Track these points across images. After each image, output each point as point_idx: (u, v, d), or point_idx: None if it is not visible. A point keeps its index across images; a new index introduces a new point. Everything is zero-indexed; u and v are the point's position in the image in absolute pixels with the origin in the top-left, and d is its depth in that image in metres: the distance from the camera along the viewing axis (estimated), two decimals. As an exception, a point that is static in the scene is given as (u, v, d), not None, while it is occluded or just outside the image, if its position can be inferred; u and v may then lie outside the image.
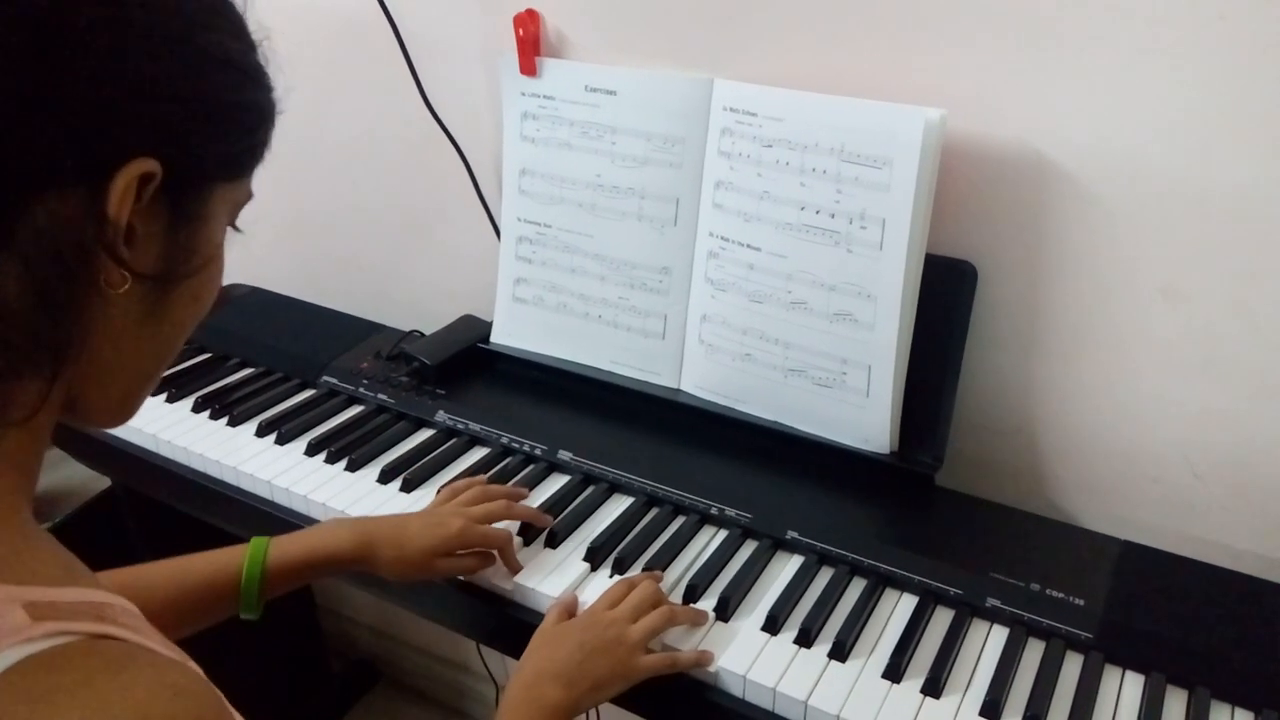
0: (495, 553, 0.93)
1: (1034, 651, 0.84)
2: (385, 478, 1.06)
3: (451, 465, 1.08)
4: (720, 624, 0.87)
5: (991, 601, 0.87)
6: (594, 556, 0.94)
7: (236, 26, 0.52)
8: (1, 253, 0.44)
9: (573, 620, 0.84)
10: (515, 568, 0.93)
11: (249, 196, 0.57)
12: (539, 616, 0.90)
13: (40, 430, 0.50)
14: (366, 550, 0.88)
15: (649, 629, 0.82)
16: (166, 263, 0.50)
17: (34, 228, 0.44)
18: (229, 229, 0.57)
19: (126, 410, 0.55)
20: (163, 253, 0.50)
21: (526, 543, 0.96)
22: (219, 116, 0.51)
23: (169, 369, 1.31)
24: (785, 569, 0.93)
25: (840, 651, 0.83)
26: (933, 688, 0.80)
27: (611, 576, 0.92)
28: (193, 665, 0.50)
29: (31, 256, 0.44)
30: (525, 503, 0.99)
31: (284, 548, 0.86)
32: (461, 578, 0.94)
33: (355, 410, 1.19)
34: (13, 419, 0.47)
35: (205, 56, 0.49)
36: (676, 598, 0.89)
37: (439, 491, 0.98)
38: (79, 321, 0.48)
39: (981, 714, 0.78)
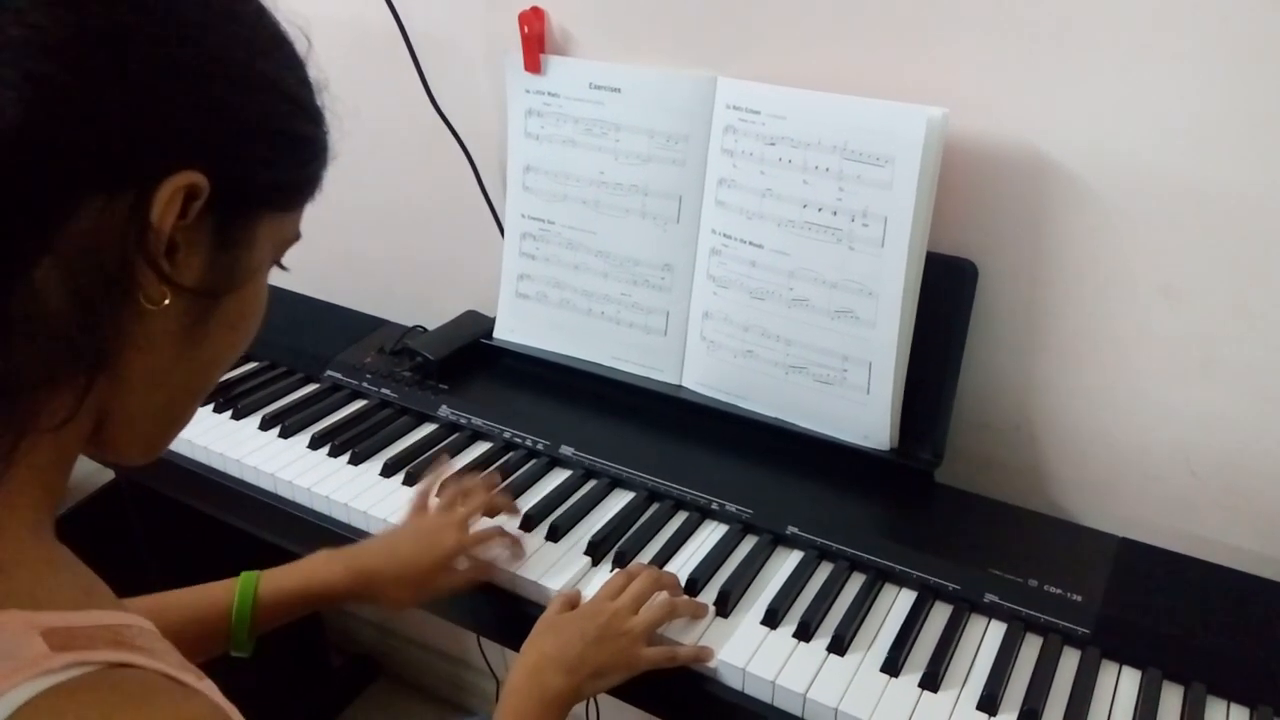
0: (497, 550, 0.93)
1: (1031, 647, 0.84)
2: (388, 471, 1.07)
3: (454, 460, 1.09)
4: (720, 618, 0.87)
5: (990, 597, 0.87)
6: (595, 551, 0.95)
7: (295, 62, 0.53)
8: (45, 256, 0.44)
9: (575, 610, 0.84)
10: (520, 553, 0.93)
11: (297, 236, 0.57)
12: (540, 610, 0.90)
13: (68, 449, 0.50)
14: (363, 583, 0.87)
15: (651, 620, 0.83)
16: (207, 284, 0.50)
17: (79, 231, 0.44)
18: (276, 267, 0.57)
19: (154, 444, 0.54)
20: (203, 274, 0.49)
21: (527, 530, 0.97)
22: (269, 141, 0.51)
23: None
24: (785, 564, 0.93)
25: (839, 645, 0.84)
26: (931, 682, 0.81)
27: (612, 571, 0.93)
28: (208, 686, 0.49)
29: (74, 261, 0.44)
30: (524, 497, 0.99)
31: (276, 583, 0.85)
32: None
33: (358, 405, 1.20)
34: (42, 427, 0.47)
35: (261, 81, 0.50)
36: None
37: (412, 501, 0.96)
38: (116, 334, 0.47)
39: (979, 708, 0.79)
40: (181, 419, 0.56)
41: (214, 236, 0.49)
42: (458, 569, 0.90)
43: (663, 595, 0.86)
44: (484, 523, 0.95)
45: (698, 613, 0.87)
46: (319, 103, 0.55)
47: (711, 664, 0.83)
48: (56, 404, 0.47)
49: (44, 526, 0.50)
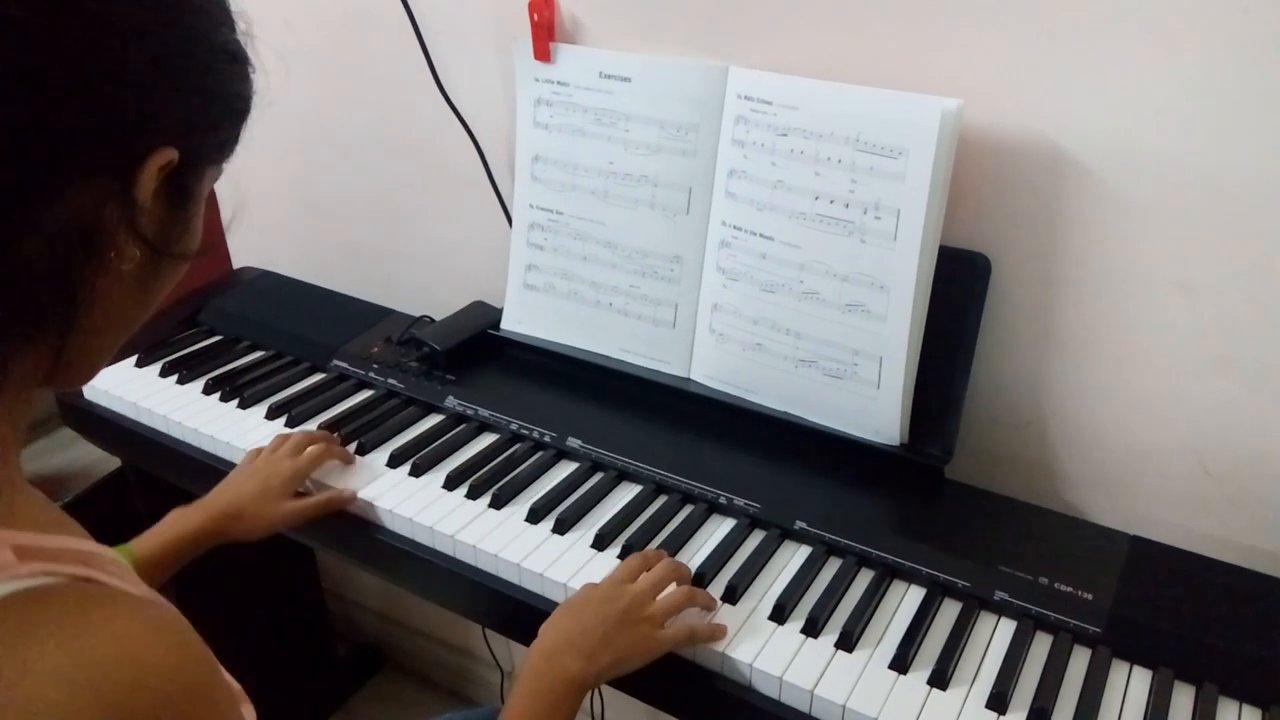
0: (339, 489, 1.01)
1: (1041, 645, 0.84)
2: (394, 462, 1.06)
3: (460, 450, 1.08)
4: (728, 612, 0.87)
5: (1000, 594, 0.87)
6: (601, 543, 0.94)
7: (233, 20, 0.55)
8: (32, 234, 0.46)
9: (593, 593, 0.84)
10: (349, 459, 1.05)
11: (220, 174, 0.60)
12: (546, 602, 0.90)
13: (29, 390, 0.52)
14: (221, 521, 0.96)
15: (670, 606, 0.83)
16: (164, 240, 0.53)
17: (62, 212, 0.46)
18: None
19: (94, 371, 0.57)
20: (161, 230, 0.52)
21: (533, 524, 0.97)
22: (224, 106, 0.54)
23: (176, 354, 1.31)
24: (793, 559, 0.93)
25: (847, 642, 0.83)
26: (939, 679, 0.80)
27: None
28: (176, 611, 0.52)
29: (56, 238, 0.46)
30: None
31: (147, 547, 0.92)
32: (459, 563, 0.94)
33: (365, 394, 1.19)
34: (12, 383, 0.49)
35: (222, 52, 0.53)
36: (684, 586, 0.89)
37: (246, 452, 1.05)
38: (89, 295, 0.50)
39: (988, 706, 0.78)
40: (121, 344, 0.58)
41: (172, 195, 0.52)
42: (311, 498, 1.00)
43: (683, 584, 0.86)
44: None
45: (712, 604, 0.86)
46: (248, 55, 0.56)
47: (718, 654, 0.83)
48: (25, 363, 0.49)
49: (12, 460, 0.52)
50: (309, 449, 1.03)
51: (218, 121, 0.54)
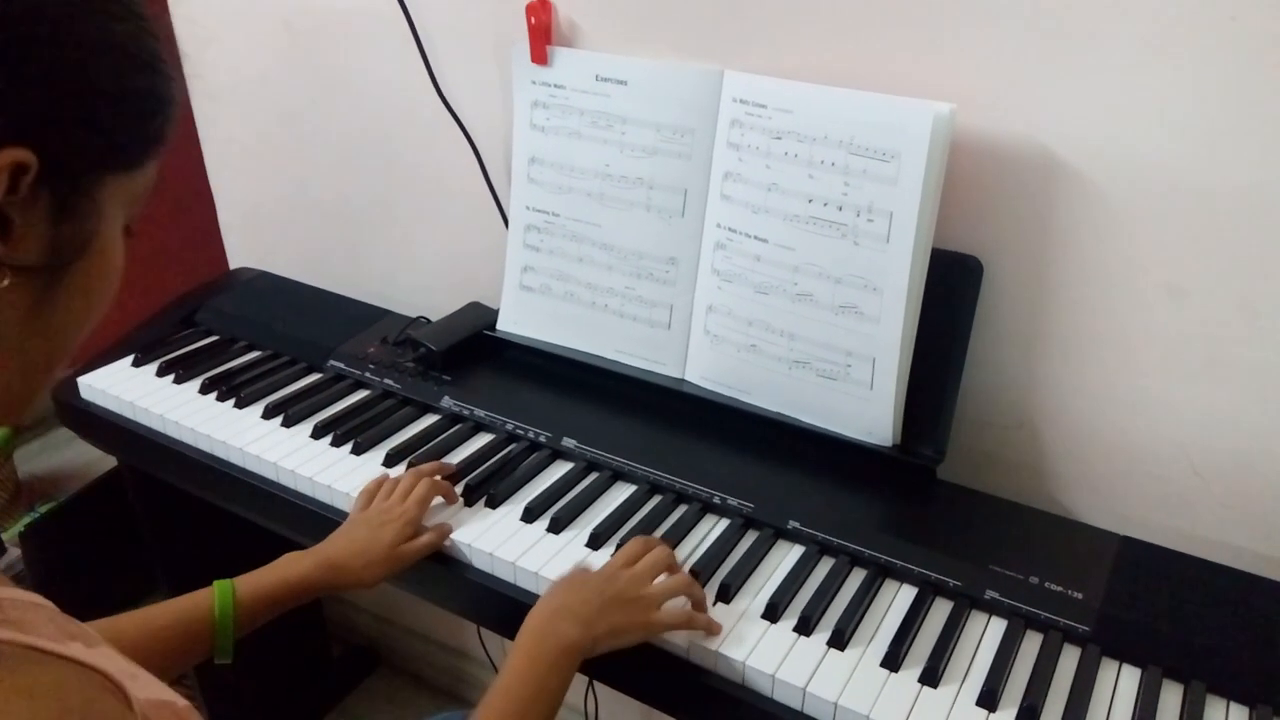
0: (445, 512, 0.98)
1: (1032, 643, 0.84)
2: (390, 461, 1.07)
3: (456, 450, 1.09)
4: (721, 611, 0.87)
5: (990, 594, 0.87)
6: (596, 542, 0.95)
7: (126, 9, 0.49)
8: None
9: (591, 571, 0.86)
10: (453, 497, 1.00)
11: (149, 187, 0.54)
12: (541, 601, 0.91)
13: None
14: (332, 572, 0.92)
15: (668, 589, 0.84)
16: (51, 256, 0.48)
17: None
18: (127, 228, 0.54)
19: (14, 411, 0.52)
20: (46, 246, 0.48)
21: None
22: (101, 104, 0.48)
23: (172, 354, 1.30)
24: (786, 558, 0.94)
25: (839, 640, 0.84)
26: (930, 677, 0.81)
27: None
28: (101, 654, 0.47)
29: None
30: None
31: (252, 586, 0.89)
32: (454, 563, 0.94)
33: (361, 394, 1.20)
34: None
35: (86, 42, 0.47)
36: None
37: (358, 498, 1.00)
38: None
39: (978, 704, 0.79)
40: (41, 385, 0.53)
41: (52, 207, 0.47)
42: (417, 540, 0.95)
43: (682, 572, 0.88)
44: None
45: (703, 600, 0.87)
46: (156, 48, 0.51)
47: (712, 657, 0.83)
48: None
49: None
50: (415, 491, 0.98)
51: (97, 122, 0.48)
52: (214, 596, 0.86)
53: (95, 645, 0.48)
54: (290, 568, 0.91)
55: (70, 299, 0.50)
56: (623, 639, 0.82)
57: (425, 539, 0.95)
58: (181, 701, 0.53)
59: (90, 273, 0.51)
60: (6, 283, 0.46)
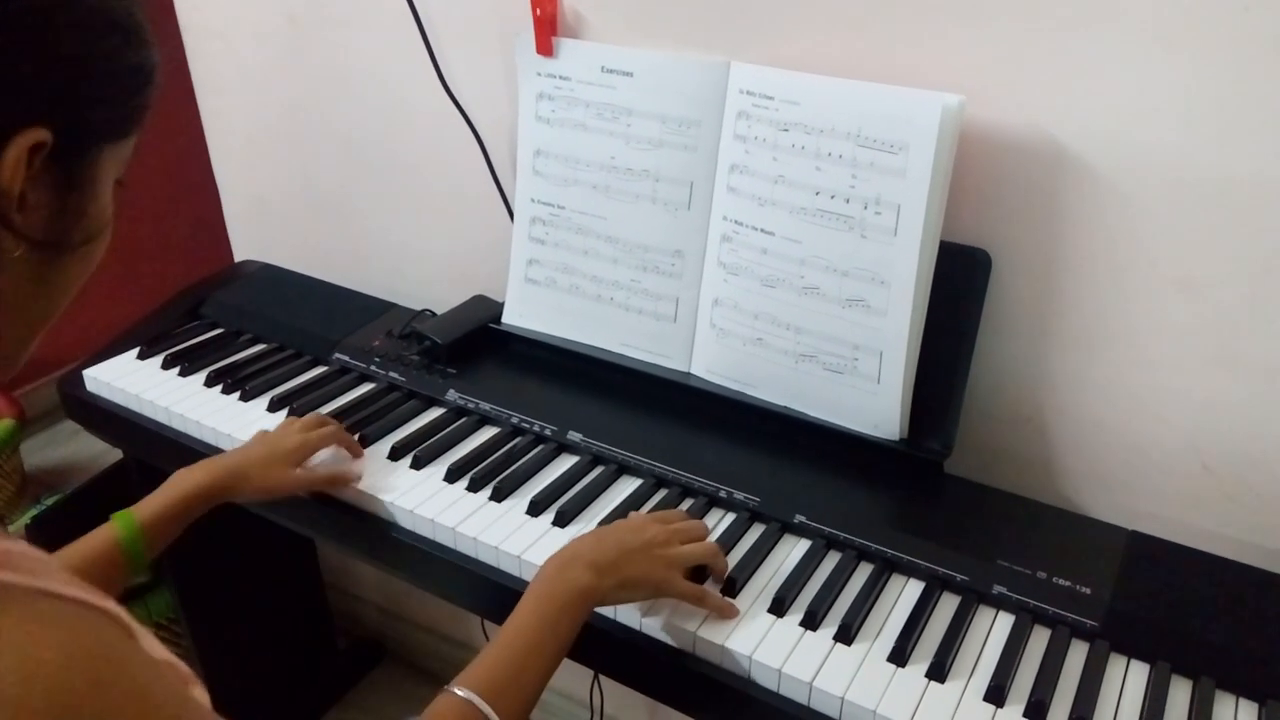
0: (346, 467, 1.03)
1: (1039, 638, 0.84)
2: (395, 455, 1.07)
3: (461, 444, 1.09)
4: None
5: (998, 588, 0.87)
6: (602, 536, 0.95)
7: None
8: None
9: (620, 523, 0.88)
10: (359, 452, 1.05)
11: (133, 152, 0.56)
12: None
13: None
14: (230, 477, 0.97)
15: (691, 554, 0.86)
16: (58, 228, 0.50)
17: None
18: (117, 186, 0.56)
19: (11, 365, 0.54)
20: (53, 218, 0.50)
21: (534, 516, 0.98)
22: (107, 80, 0.51)
23: (178, 347, 1.30)
24: (793, 552, 0.93)
25: (846, 634, 0.84)
26: (938, 672, 0.80)
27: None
28: (107, 609, 0.48)
29: None
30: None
31: (152, 508, 0.93)
32: (460, 556, 0.94)
33: (366, 388, 1.20)
34: None
35: (94, 20, 0.49)
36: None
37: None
38: None
39: (986, 699, 0.79)
40: (37, 338, 0.55)
41: (59, 180, 0.49)
42: (310, 469, 1.01)
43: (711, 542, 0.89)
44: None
45: (724, 571, 0.88)
46: (145, 21, 0.53)
47: (718, 651, 0.83)
48: None
49: None
50: (320, 429, 1.04)
51: (104, 97, 0.50)
52: (117, 529, 0.90)
53: (105, 599, 0.50)
54: (183, 482, 0.95)
55: (72, 262, 0.53)
56: (635, 592, 0.83)
57: (325, 471, 1.01)
58: (184, 667, 0.55)
59: (89, 235, 0.53)
60: (19, 254, 0.48)
